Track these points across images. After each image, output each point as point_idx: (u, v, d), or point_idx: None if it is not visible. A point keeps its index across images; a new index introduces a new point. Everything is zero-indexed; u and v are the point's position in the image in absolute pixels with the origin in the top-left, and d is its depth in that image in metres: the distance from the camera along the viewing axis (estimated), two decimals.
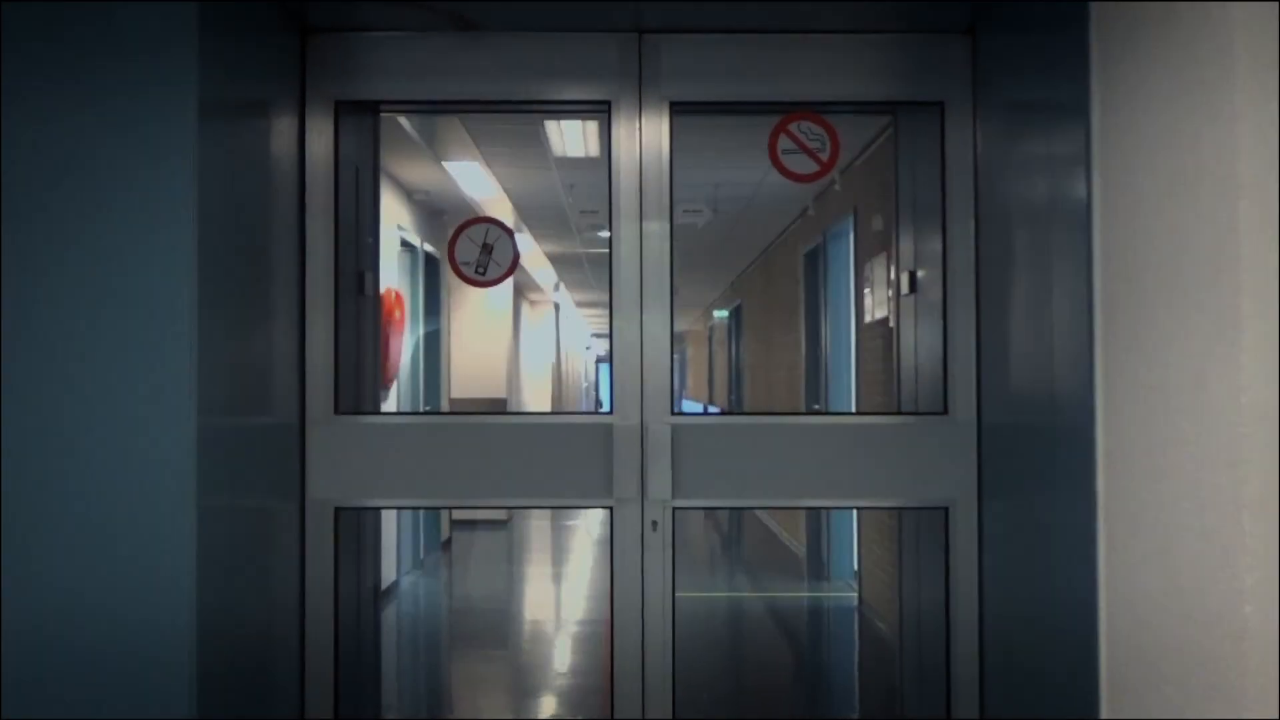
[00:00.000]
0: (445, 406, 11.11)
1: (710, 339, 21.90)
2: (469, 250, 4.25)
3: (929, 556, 4.37)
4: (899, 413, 4.48)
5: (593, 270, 16.11)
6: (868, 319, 7.71)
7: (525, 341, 19.85)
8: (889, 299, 6.88)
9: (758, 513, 13.99)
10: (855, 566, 9.15)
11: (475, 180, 8.76)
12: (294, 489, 4.12)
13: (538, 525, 13.99)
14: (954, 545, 4.18)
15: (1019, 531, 3.85)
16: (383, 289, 8.70)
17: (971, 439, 4.17)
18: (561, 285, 18.78)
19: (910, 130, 4.60)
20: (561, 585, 10.12)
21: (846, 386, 9.17)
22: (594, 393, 48.53)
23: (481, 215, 4.31)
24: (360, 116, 4.63)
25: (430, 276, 10.71)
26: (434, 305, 10.75)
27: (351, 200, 4.53)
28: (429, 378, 10.67)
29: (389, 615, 8.11)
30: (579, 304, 22.44)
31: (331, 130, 4.28)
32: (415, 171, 8.61)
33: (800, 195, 9.74)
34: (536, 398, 20.75)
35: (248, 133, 3.84)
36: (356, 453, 4.16)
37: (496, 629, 8.49)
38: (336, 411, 4.20)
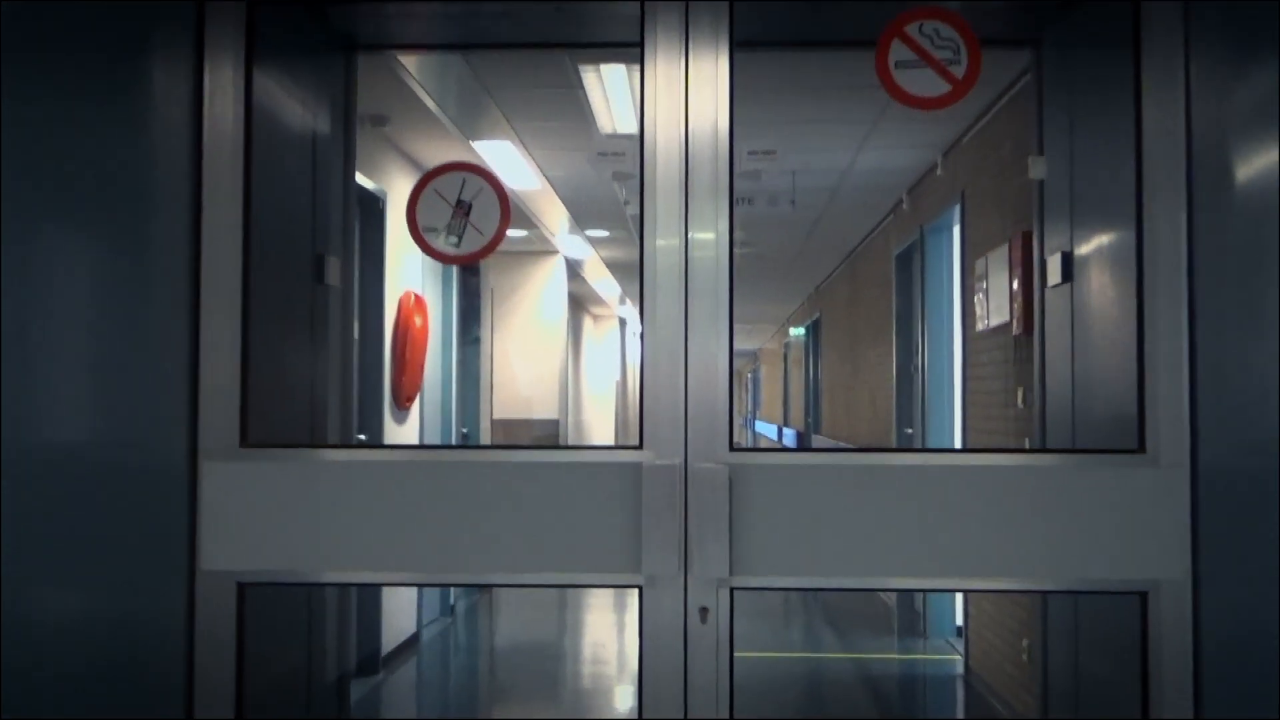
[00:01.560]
0: (485, 429, 9.84)
1: (786, 356, 20.46)
2: (437, 211, 2.95)
3: (1098, 629, 2.99)
4: (1065, 450, 3.10)
5: None
6: (980, 327, 6.30)
7: (587, 359, 18.59)
8: (1015, 300, 5.47)
9: None
10: (959, 622, 7.69)
11: (511, 164, 7.48)
12: (177, 555, 2.83)
13: None
14: (1157, 642, 2.79)
15: (1260, 627, 2.46)
16: (401, 291, 7.47)
17: (1183, 490, 2.78)
18: (628, 299, 17.50)
19: (1065, 59, 3.26)
20: (628, 628, 8.79)
21: (948, 409, 7.74)
22: None
23: (457, 162, 2.98)
24: (319, 56, 3.40)
25: (467, 281, 9.46)
26: (471, 313, 9.49)
27: (306, 165, 3.29)
28: (465, 396, 9.41)
29: (400, 680, 6.83)
30: None
31: (242, 68, 3.02)
32: (440, 155, 7.34)
33: (894, 185, 8.35)
34: (599, 420, 19.46)
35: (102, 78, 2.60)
36: (274, 502, 2.87)
37: (546, 683, 7.20)
38: (244, 444, 2.90)
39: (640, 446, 2.81)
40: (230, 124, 3.01)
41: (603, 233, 10.84)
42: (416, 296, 7.26)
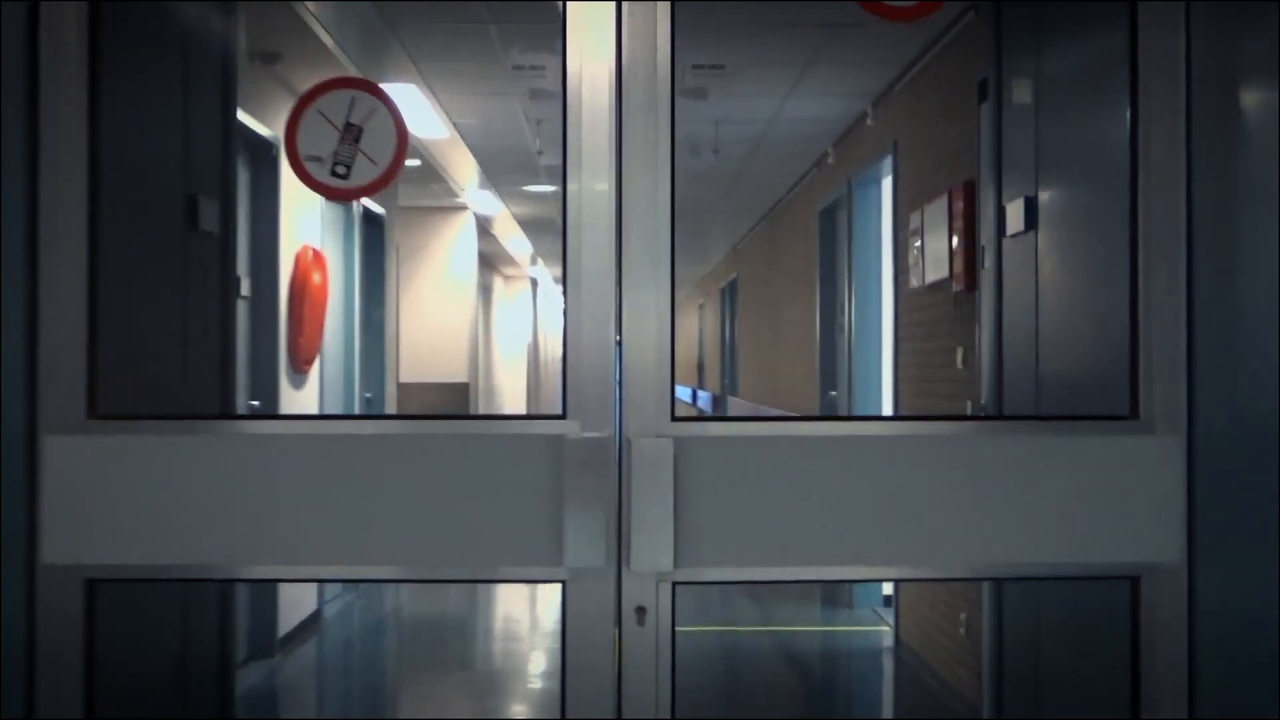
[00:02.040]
0: (391, 392, 9.36)
1: (700, 314, 20.16)
2: (321, 136, 2.50)
3: (1053, 602, 2.68)
4: (1048, 418, 2.77)
5: None
6: (914, 284, 5.99)
7: (499, 321, 18.10)
8: (955, 255, 5.15)
9: None
10: (887, 590, 7.43)
11: (417, 110, 6.99)
12: (13, 547, 2.37)
13: None
14: (1149, 631, 2.47)
15: (1262, 614, 2.16)
16: (298, 246, 6.96)
17: (1179, 461, 2.45)
18: (540, 259, 17.04)
19: None
20: (547, 598, 8.40)
21: (875, 370, 7.45)
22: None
23: (344, 76, 2.52)
24: None
25: (371, 236, 8.94)
26: (376, 271, 8.98)
27: (175, 99, 2.83)
28: (369, 358, 8.91)
29: (297, 663, 6.37)
30: (558, 280, 20.69)
31: None
32: None
33: (820, 136, 8.00)
34: (511, 384, 19.00)
35: None
36: (128, 483, 2.42)
37: (456, 662, 6.81)
38: (92, 415, 2.44)
39: (563, 416, 2.41)
40: (73, 46, 2.52)
41: (517, 187, 10.38)
42: (315, 251, 6.75)
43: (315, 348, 6.81)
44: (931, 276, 5.62)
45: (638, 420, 2.37)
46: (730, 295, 15.29)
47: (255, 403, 6.06)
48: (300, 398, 6.75)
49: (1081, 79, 3.12)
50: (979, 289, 4.82)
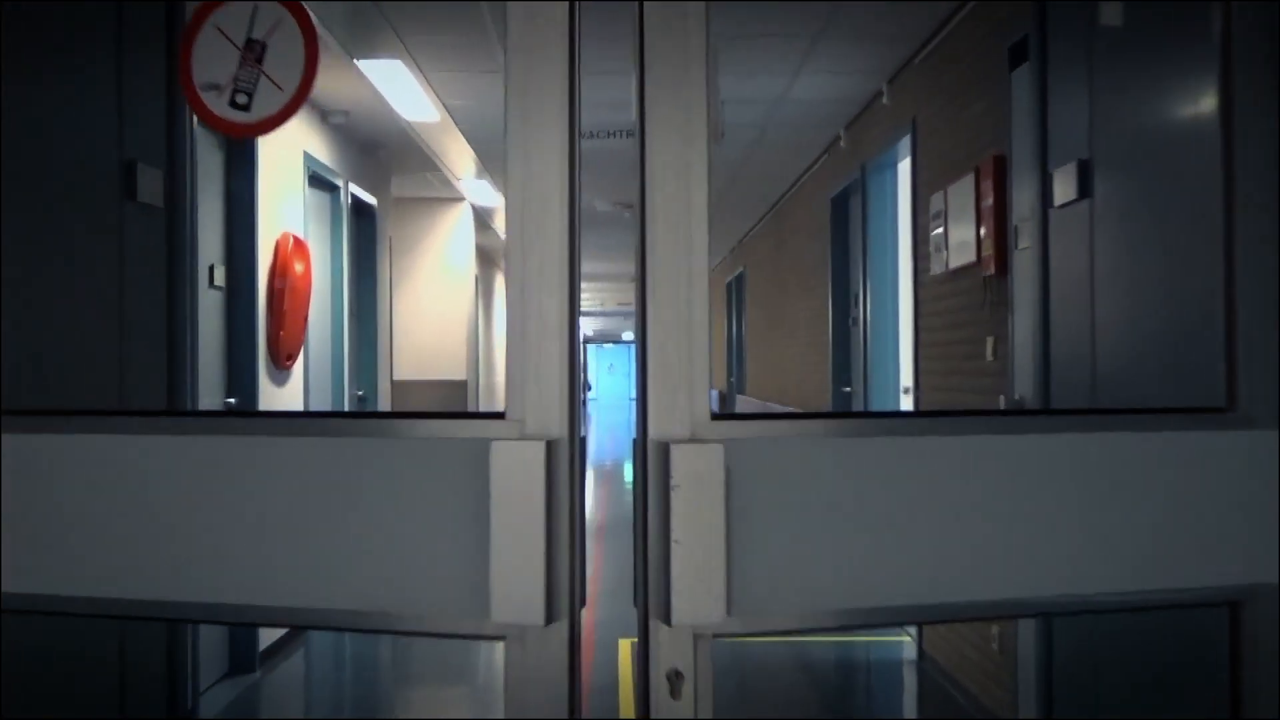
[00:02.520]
0: (385, 389, 8.97)
1: None
2: (220, 59, 2.06)
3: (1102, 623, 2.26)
4: (1129, 411, 2.35)
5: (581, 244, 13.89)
6: (936, 271, 5.59)
7: (500, 319, 17.69)
8: (986, 237, 4.74)
9: None
10: None
11: (405, 91, 6.59)
12: None
13: None
14: (1252, 667, 2.06)
15: None
16: (278, 233, 6.57)
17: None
18: None
19: None
20: None
21: (892, 364, 7.04)
22: (581, 375, 46.02)
23: None
24: None
25: (362, 227, 8.55)
26: (367, 263, 8.59)
27: (108, 58, 2.44)
28: (361, 355, 8.52)
29: (281, 679, 5.97)
30: None
31: None
32: (325, 78, 6.43)
33: (830, 119, 7.59)
34: None
35: None
36: (26, 491, 1.99)
37: (456, 670, 6.43)
38: None
39: (503, 416, 1.84)
40: None
41: None
42: (296, 240, 6.36)
43: (298, 342, 6.41)
44: (956, 262, 5.21)
45: (666, 420, 1.83)
46: (736, 290, 14.88)
47: (232, 400, 5.67)
48: (282, 395, 6.35)
49: (1144, 30, 2.71)
50: (1011, 273, 4.42)
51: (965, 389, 5.10)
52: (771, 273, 11.51)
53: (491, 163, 9.29)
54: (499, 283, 17.50)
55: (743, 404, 13.52)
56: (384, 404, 8.90)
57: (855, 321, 7.98)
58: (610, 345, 60.33)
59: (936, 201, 5.54)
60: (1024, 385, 3.71)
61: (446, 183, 9.86)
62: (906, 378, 7.01)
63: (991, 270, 4.67)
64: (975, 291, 4.97)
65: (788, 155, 8.91)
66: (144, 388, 2.93)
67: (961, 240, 5.10)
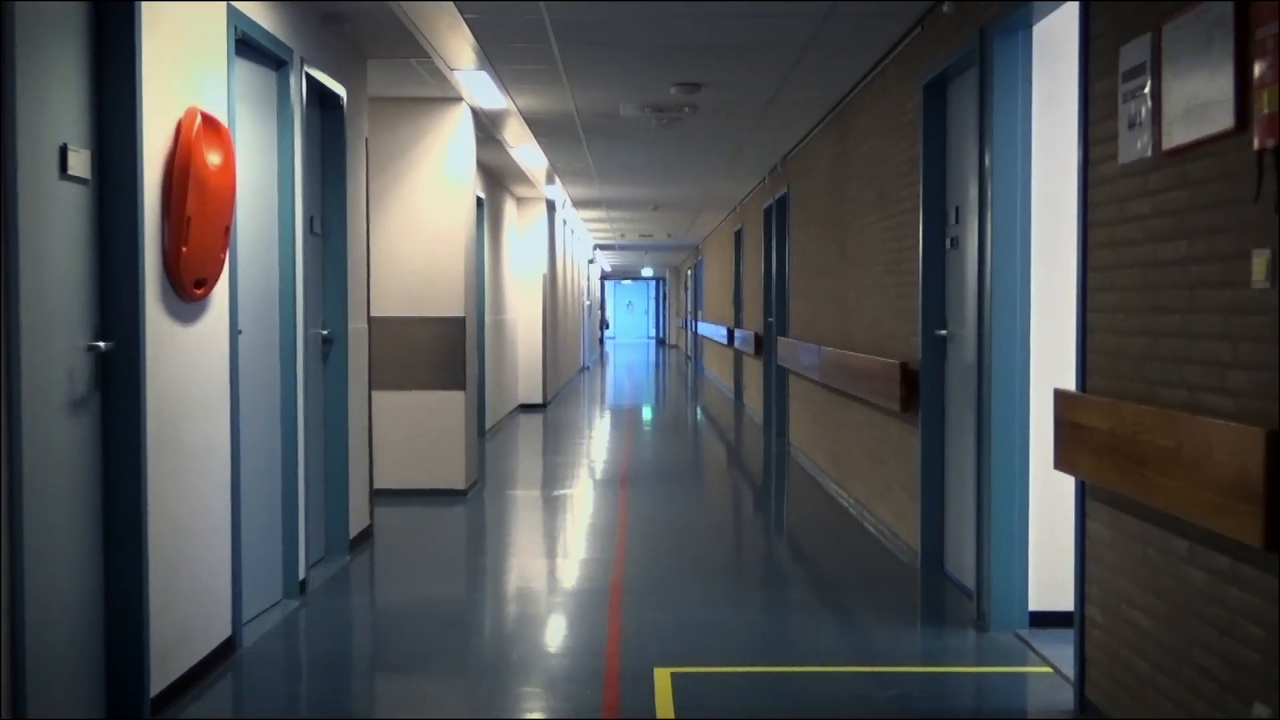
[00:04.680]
0: (359, 329, 7.22)
1: (738, 245, 17.91)
2: None
3: None
4: None
5: (601, 162, 12.09)
6: (1128, 157, 3.78)
7: (512, 249, 15.91)
8: (1262, 85, 2.93)
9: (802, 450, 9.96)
10: (1040, 601, 5.29)
11: None
12: None
13: (523, 496, 10.17)
14: None
15: None
16: (180, 110, 4.75)
17: None
18: (556, 176, 14.80)
19: None
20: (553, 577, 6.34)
21: (1022, 301, 5.25)
22: (599, 313, 44.28)
23: None
24: None
25: (329, 123, 6.75)
26: (335, 169, 6.81)
27: None
28: (328, 284, 6.76)
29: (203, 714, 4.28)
30: (578, 203, 18.42)
31: None
32: None
33: None
34: (526, 320, 16.85)
35: None
36: None
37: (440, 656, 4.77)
38: None
39: None
40: None
41: (523, 67, 8.13)
42: (207, 119, 4.57)
43: (214, 263, 4.65)
44: (1181, 136, 3.40)
45: None
46: (777, 215, 13.04)
47: (101, 344, 3.93)
48: (191, 337, 4.61)
49: None
50: None
51: (1198, 332, 3.32)
52: (829, 189, 9.68)
53: (494, 48, 7.46)
54: (509, 211, 15.70)
55: (785, 349, 11.74)
56: (356, 347, 7.16)
57: (955, 243, 6.18)
58: (629, 282, 58.28)
59: (1135, 52, 3.72)
60: None
61: (440, 76, 8.03)
62: (1044, 320, 5.22)
63: (1273, 139, 2.88)
64: (1225, 179, 3.16)
65: (856, 44, 7.05)
66: None
67: (1196, 101, 3.29)
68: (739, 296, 18.06)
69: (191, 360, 4.60)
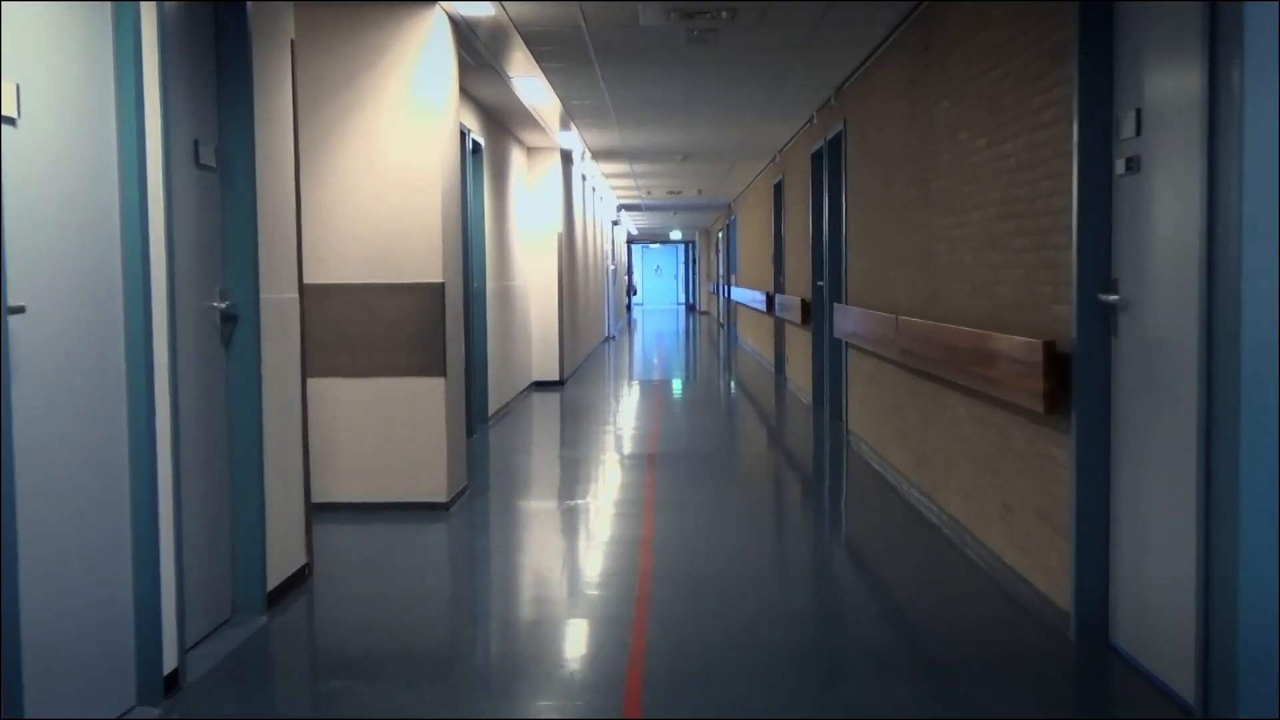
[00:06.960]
0: (278, 300, 5.26)
1: (779, 201, 15.84)
2: None
3: None
4: None
5: (620, 97, 10.04)
6: None
7: (520, 206, 13.92)
8: None
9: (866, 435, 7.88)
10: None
11: None
12: None
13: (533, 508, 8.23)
14: None
15: None
16: None
17: None
18: (573, 123, 12.78)
19: None
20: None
21: (1273, 251, 3.23)
22: (625, 279, 42.02)
23: None
24: None
25: (224, 20, 4.78)
26: (237, 84, 4.84)
27: None
28: (230, 241, 4.81)
29: None
30: (597, 155, 16.36)
31: None
32: None
33: None
34: (538, 285, 14.87)
35: None
36: None
37: None
38: None
39: None
40: None
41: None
42: None
43: None
44: None
45: None
46: (831, 159, 10.96)
47: None
48: None
49: None
50: None
51: None
52: (904, 117, 7.63)
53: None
54: (517, 162, 13.69)
55: (844, 319, 9.70)
56: (275, 325, 5.21)
57: (1134, 165, 4.16)
58: (657, 246, 55.88)
59: None
60: None
61: None
62: None
63: None
64: None
65: None
66: None
67: None
68: (780, 258, 16.01)
69: None
